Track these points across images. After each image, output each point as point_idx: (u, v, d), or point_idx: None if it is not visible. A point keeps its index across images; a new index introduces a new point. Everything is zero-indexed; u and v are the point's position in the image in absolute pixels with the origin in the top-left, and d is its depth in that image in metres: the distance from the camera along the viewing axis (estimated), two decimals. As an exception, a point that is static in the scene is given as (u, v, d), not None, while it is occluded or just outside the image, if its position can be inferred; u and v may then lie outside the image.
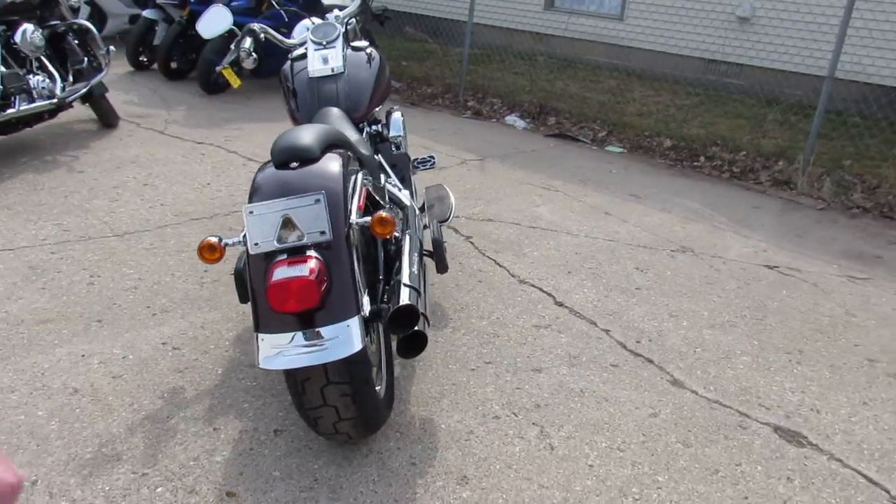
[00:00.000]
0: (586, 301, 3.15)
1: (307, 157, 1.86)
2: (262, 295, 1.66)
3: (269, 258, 1.70)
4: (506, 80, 7.35)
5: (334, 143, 2.01)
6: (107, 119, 4.96)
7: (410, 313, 1.92)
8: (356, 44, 2.92)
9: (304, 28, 2.78)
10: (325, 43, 2.81)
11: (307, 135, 1.92)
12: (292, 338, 1.67)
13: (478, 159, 5.20)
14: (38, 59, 4.33)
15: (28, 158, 4.30)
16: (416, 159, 3.29)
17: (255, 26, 2.72)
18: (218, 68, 2.83)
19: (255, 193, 1.79)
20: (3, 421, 2.07)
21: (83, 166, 4.22)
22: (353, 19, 3.14)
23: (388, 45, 8.30)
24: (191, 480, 1.92)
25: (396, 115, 2.91)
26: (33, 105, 4.09)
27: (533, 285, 3.26)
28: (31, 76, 4.18)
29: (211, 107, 5.93)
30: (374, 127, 2.85)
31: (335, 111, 2.60)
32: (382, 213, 1.75)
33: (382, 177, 2.68)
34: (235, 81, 2.77)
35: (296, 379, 1.80)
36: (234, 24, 5.75)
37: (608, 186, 4.80)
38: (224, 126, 5.47)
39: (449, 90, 7.11)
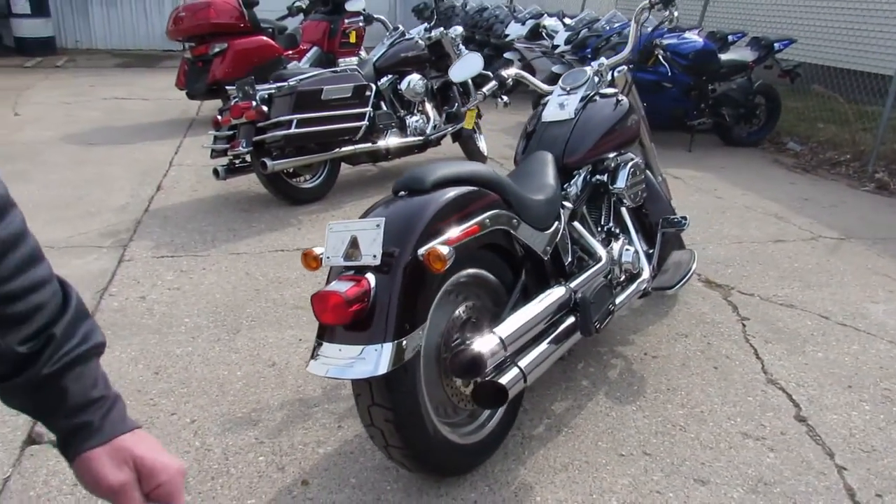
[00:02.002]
0: (843, 426, 2.43)
1: (415, 188, 1.95)
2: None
3: (338, 272, 1.84)
4: (947, 152, 5.89)
5: (468, 181, 2.02)
6: (472, 157, 5.62)
7: (474, 361, 1.83)
8: (605, 90, 2.82)
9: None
10: (568, 89, 2.80)
11: (431, 168, 2.00)
12: (332, 349, 1.77)
13: (837, 238, 4.33)
14: (421, 103, 5.17)
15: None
16: (666, 218, 2.98)
17: (507, 72, 2.86)
18: (463, 109, 3.05)
19: (363, 214, 1.95)
20: (213, 371, 2.63)
21: (428, 194, 4.89)
22: (625, 67, 3.02)
23: (798, 107, 7.38)
24: (287, 461, 2.16)
25: (625, 169, 2.70)
26: (401, 140, 4.91)
27: (782, 389, 2.64)
28: (409, 116, 5.03)
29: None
30: (597, 177, 2.71)
31: (543, 155, 2.58)
32: (438, 248, 1.73)
33: (579, 226, 2.55)
34: (469, 123, 2.94)
35: (353, 391, 1.89)
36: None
37: None
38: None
39: (858, 158, 6.03)
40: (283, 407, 2.43)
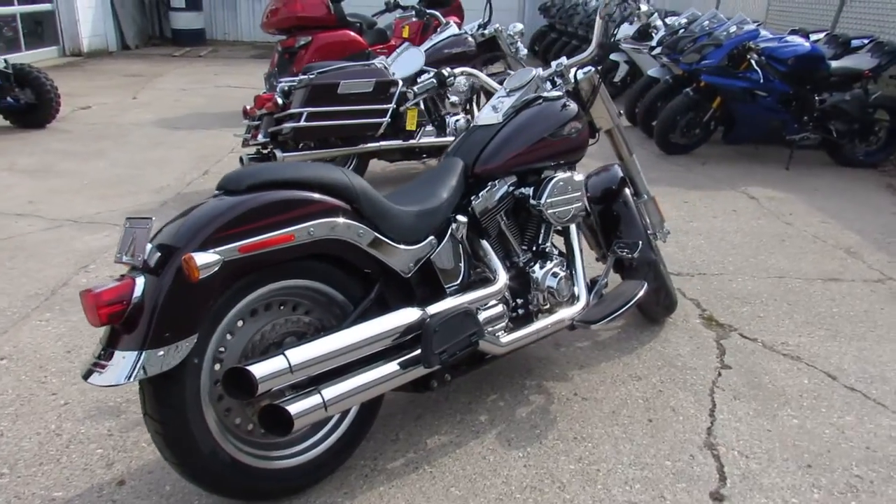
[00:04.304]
0: (768, 513, 1.97)
1: (230, 189, 1.81)
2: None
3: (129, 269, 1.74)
4: None
5: (305, 185, 1.85)
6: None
7: (246, 381, 1.67)
8: (549, 94, 2.49)
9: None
10: (507, 91, 2.51)
11: (257, 169, 1.86)
12: (97, 350, 1.68)
13: (912, 282, 3.61)
14: (467, 101, 4.96)
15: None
16: (617, 242, 2.61)
17: (449, 70, 2.62)
18: (401, 108, 2.82)
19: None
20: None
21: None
22: (592, 68, 2.66)
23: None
24: (119, 457, 2.10)
25: (550, 184, 2.36)
26: (435, 139, 4.72)
27: (717, 457, 2.20)
28: (449, 116, 4.84)
29: (659, 167, 5.62)
30: (521, 190, 2.40)
31: (452, 162, 2.35)
32: (193, 256, 1.58)
33: (485, 244, 2.28)
34: (411, 124, 2.73)
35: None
36: (711, 85, 5.40)
37: None
38: (654, 185, 5.18)
39: None
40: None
